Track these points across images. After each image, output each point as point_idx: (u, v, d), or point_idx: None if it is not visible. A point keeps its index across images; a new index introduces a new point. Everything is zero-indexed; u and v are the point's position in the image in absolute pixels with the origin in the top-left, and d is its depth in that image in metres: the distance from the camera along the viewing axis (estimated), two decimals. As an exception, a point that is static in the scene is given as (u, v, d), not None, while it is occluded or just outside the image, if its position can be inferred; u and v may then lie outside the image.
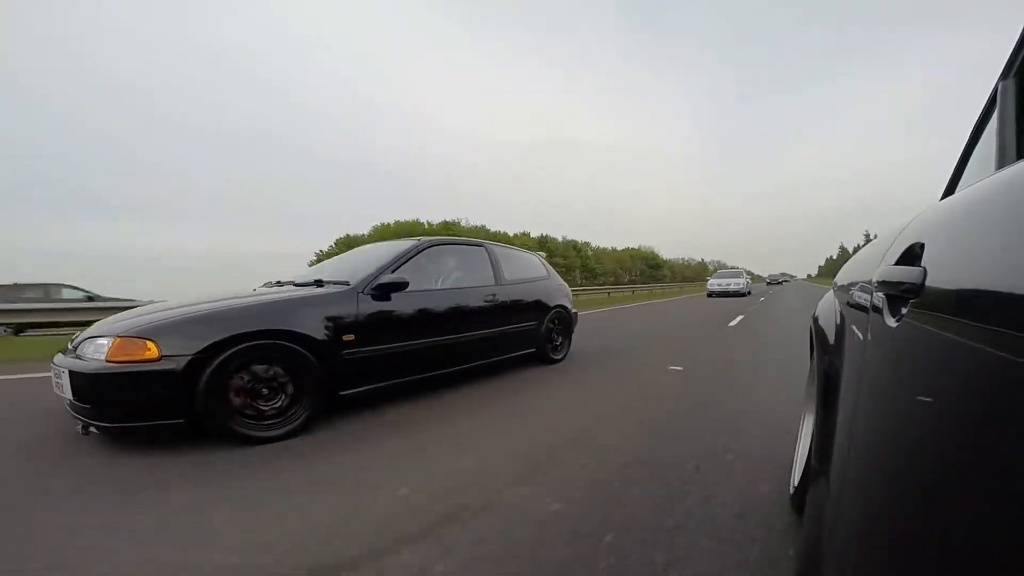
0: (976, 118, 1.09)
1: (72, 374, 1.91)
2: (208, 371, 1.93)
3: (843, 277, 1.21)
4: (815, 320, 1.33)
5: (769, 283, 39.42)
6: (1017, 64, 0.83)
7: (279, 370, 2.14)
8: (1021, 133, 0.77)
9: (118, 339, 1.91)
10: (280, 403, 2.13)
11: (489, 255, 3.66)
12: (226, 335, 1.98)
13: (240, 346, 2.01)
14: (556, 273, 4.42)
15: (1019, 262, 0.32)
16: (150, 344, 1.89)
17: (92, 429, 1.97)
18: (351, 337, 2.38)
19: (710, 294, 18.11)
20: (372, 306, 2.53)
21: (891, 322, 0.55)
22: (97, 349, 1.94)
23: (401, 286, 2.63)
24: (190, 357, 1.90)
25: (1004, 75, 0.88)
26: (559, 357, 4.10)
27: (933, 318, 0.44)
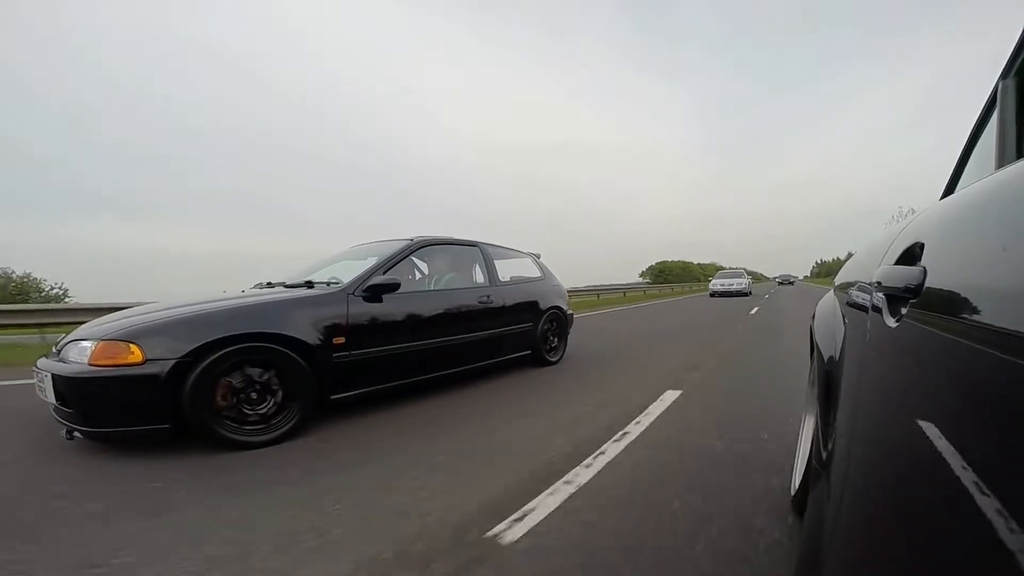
0: (976, 118, 1.08)
1: (55, 378, 1.87)
2: (194, 375, 1.89)
3: (843, 277, 1.20)
4: (815, 320, 1.32)
5: (780, 283, 39.63)
6: (1017, 64, 0.83)
7: (267, 374, 2.10)
8: (1021, 133, 0.76)
9: (101, 342, 1.87)
10: (268, 408, 2.09)
11: (483, 255, 3.63)
12: (212, 338, 1.94)
13: (227, 349, 1.97)
14: (552, 274, 4.39)
15: (1019, 262, 0.32)
16: (134, 347, 1.85)
17: (76, 434, 1.93)
18: (341, 340, 2.34)
19: (713, 294, 17.88)
20: (363, 308, 2.50)
21: (891, 322, 0.55)
22: (80, 352, 1.91)
23: (393, 287, 2.59)
24: (175, 361, 1.87)
25: (1004, 75, 0.88)
26: (555, 359, 4.07)
27: (933, 318, 0.44)
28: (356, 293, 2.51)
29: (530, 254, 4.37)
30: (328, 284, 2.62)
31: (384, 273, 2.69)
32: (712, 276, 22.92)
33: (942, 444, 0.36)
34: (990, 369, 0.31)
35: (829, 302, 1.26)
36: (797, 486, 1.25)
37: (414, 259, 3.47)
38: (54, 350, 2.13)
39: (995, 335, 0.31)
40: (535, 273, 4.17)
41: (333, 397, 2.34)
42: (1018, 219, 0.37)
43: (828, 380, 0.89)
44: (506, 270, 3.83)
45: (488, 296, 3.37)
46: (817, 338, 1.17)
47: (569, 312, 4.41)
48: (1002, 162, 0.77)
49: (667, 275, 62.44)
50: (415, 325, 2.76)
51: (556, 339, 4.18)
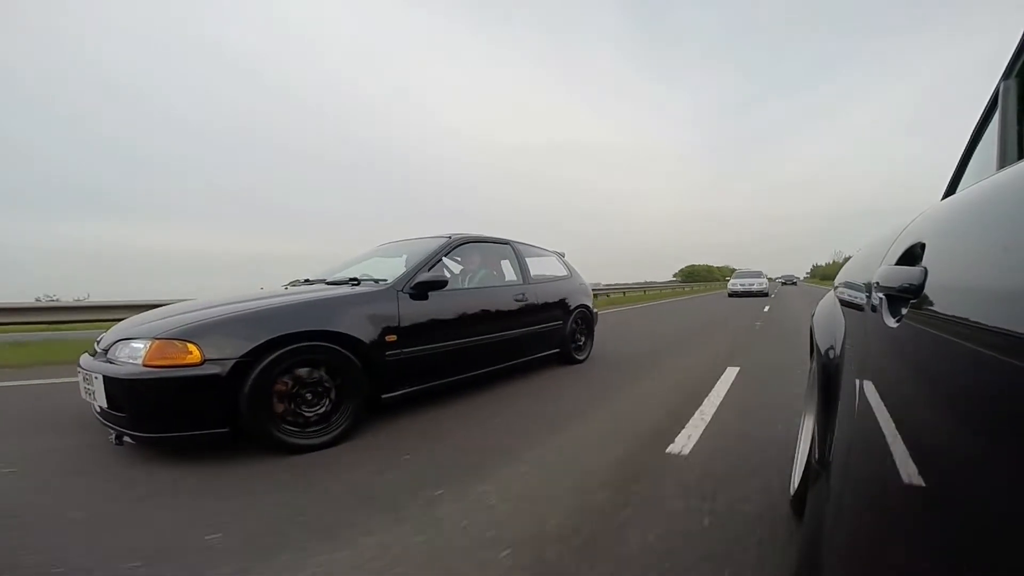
0: (977, 118, 1.08)
1: (107, 380, 1.78)
2: (253, 375, 1.82)
3: (843, 277, 1.20)
4: (815, 320, 1.31)
5: (783, 283, 39.73)
6: (1019, 65, 0.83)
7: (322, 373, 2.03)
8: (1022, 133, 0.76)
9: (156, 341, 1.79)
10: (323, 409, 2.03)
11: (515, 253, 3.60)
12: (272, 336, 1.87)
13: (286, 348, 1.90)
14: (578, 272, 4.36)
15: (1020, 262, 0.32)
16: (191, 347, 1.77)
17: (126, 439, 1.84)
18: (393, 338, 2.29)
19: (732, 294, 17.32)
20: (411, 305, 2.44)
21: (891, 322, 0.55)
22: (132, 352, 1.82)
23: (440, 284, 2.54)
24: (235, 360, 1.79)
25: (1006, 75, 0.88)
26: (582, 357, 4.05)
27: (933, 318, 0.44)
28: (404, 290, 2.45)
29: (556, 252, 4.34)
30: (373, 281, 2.55)
31: (428, 270, 2.64)
32: (729, 276, 22.98)
33: (942, 445, 0.36)
34: (990, 370, 0.31)
35: (829, 302, 1.26)
36: (796, 485, 1.25)
37: (452, 257, 3.43)
38: (97, 349, 2.03)
39: (996, 336, 0.31)
40: (562, 271, 4.14)
41: (384, 396, 2.27)
42: (1019, 220, 0.37)
43: (828, 380, 0.88)
44: (533, 269, 3.80)
45: (523, 294, 3.34)
46: (817, 337, 1.17)
47: (595, 310, 4.40)
48: (1003, 163, 0.77)
49: (695, 276, 75.08)
50: (460, 322, 2.71)
51: (583, 337, 4.16)
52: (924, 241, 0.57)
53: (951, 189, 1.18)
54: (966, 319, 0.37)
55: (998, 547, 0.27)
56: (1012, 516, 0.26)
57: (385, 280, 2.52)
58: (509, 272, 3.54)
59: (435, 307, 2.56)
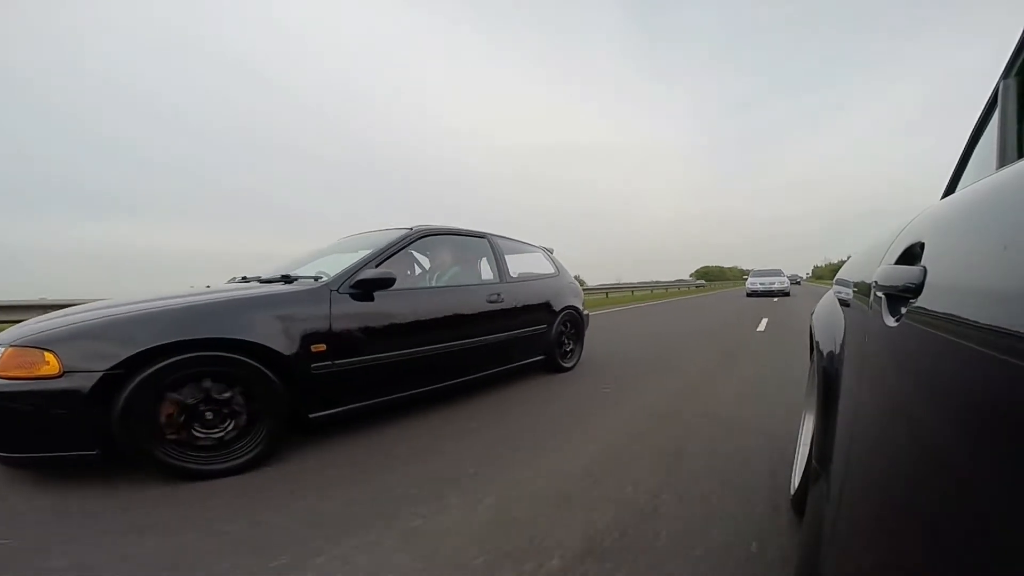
0: (977, 117, 1.07)
1: (-50, 392, 1.47)
2: (127, 390, 1.48)
3: (843, 276, 1.19)
4: (814, 320, 1.30)
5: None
6: (1018, 64, 0.83)
7: (227, 389, 1.69)
8: (1022, 132, 0.76)
9: (9, 349, 1.47)
10: (228, 430, 1.68)
11: (492, 248, 3.21)
12: (151, 345, 1.53)
13: (171, 359, 1.56)
14: (566, 270, 3.96)
15: (1019, 262, 0.32)
16: (48, 356, 1.45)
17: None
18: (322, 347, 1.92)
19: (750, 294, 16.08)
20: (350, 307, 2.08)
21: (891, 322, 0.55)
22: (-15, 361, 1.51)
23: (386, 283, 2.17)
24: (101, 373, 1.46)
25: (1005, 74, 0.87)
26: (570, 365, 3.65)
27: (933, 318, 0.43)
28: (342, 290, 2.08)
29: (542, 248, 3.95)
30: (308, 279, 2.20)
31: (377, 266, 2.28)
32: (746, 276, 22.16)
33: (941, 444, 0.35)
34: (990, 369, 0.31)
35: (829, 301, 1.25)
36: (796, 485, 1.23)
37: (413, 252, 3.06)
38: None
39: (995, 335, 0.30)
40: (548, 269, 3.74)
41: (312, 416, 1.92)
42: (1019, 219, 0.36)
43: (827, 379, 0.88)
44: (516, 266, 3.42)
45: (498, 294, 2.95)
46: (817, 337, 1.17)
47: (585, 312, 3.99)
48: (1003, 162, 0.76)
49: (710, 276, 77.27)
50: (413, 328, 2.34)
51: (572, 342, 3.76)
52: (923, 240, 0.57)
53: (951, 188, 1.17)
54: (965, 318, 0.36)
55: (998, 546, 0.26)
56: (1011, 515, 0.25)
57: (319, 279, 2.16)
58: (485, 269, 3.17)
59: (381, 310, 2.19)
